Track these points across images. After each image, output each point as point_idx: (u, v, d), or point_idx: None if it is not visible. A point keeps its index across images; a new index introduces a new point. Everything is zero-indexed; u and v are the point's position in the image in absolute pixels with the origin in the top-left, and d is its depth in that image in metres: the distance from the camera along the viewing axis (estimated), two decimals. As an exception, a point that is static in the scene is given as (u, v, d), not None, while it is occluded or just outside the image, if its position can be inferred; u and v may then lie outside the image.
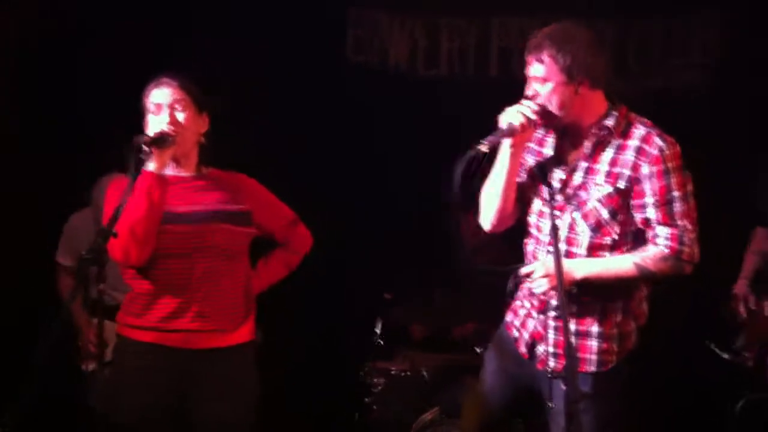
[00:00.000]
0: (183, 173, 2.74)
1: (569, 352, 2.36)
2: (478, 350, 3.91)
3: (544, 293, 2.57)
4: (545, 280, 2.53)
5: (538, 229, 2.69)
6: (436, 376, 4.04)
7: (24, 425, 2.37)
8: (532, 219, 2.72)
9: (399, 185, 4.68)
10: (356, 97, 4.78)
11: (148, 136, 2.57)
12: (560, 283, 2.38)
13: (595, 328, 2.59)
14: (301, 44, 4.72)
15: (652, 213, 2.52)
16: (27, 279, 4.01)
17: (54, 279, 3.82)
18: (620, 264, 2.54)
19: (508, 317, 2.78)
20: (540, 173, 2.60)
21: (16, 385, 2.49)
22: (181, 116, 2.68)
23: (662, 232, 2.52)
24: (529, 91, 2.59)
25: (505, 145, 2.61)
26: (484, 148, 2.52)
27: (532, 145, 2.73)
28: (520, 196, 2.73)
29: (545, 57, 2.52)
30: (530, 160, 2.73)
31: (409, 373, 4.04)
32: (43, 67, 4.25)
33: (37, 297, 3.83)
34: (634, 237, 2.58)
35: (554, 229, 2.47)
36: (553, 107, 2.55)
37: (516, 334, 2.73)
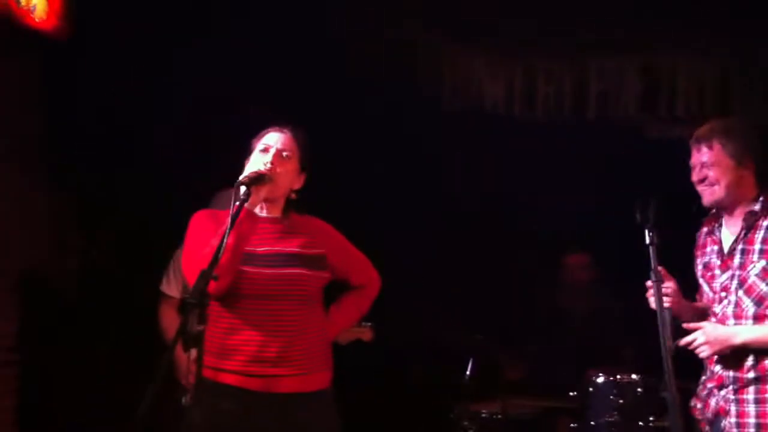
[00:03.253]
0: (266, 215, 2.81)
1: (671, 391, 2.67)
2: (572, 394, 3.85)
3: (707, 357, 2.84)
4: (706, 346, 2.79)
5: (713, 314, 2.94)
6: (530, 420, 4.00)
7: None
8: (709, 310, 2.98)
9: (501, 227, 4.70)
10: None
11: (246, 176, 2.67)
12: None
13: None
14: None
15: None
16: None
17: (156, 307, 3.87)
18: None
19: (692, 402, 3.00)
20: (637, 206, 2.78)
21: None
22: (284, 162, 2.77)
23: None
24: (696, 176, 2.89)
25: None
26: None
27: (698, 252, 3.03)
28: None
29: (715, 144, 2.84)
30: (699, 261, 3.02)
31: (500, 416, 4.00)
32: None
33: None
34: None
35: (656, 270, 2.71)
36: (720, 189, 2.85)
37: (699, 416, 2.96)
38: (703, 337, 2.80)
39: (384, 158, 4.75)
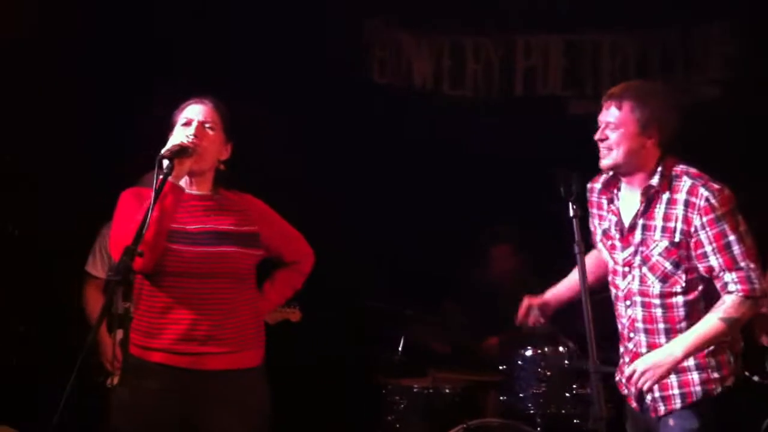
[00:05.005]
0: (196, 192, 2.77)
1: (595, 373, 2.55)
2: (501, 368, 3.90)
3: (650, 388, 2.67)
4: (649, 374, 2.63)
5: (615, 286, 2.87)
6: (460, 394, 4.05)
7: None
8: (610, 277, 2.89)
9: (421, 204, 4.72)
10: (381, 118, 4.82)
11: (168, 150, 2.62)
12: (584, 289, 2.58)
13: (691, 362, 2.69)
14: (325, 66, 4.76)
15: (714, 260, 2.64)
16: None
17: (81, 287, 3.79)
18: (709, 327, 2.62)
19: (617, 377, 2.92)
20: (560, 180, 2.66)
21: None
22: (208, 134, 2.73)
23: (730, 278, 2.63)
24: (599, 135, 2.75)
25: None
26: None
27: (594, 210, 2.92)
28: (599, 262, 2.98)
29: (624, 105, 2.70)
30: (596, 222, 2.93)
31: (431, 391, 4.04)
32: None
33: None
34: (703, 280, 2.70)
35: (579, 241, 2.59)
36: (619, 154, 2.71)
37: (626, 391, 2.88)
38: (642, 366, 2.63)
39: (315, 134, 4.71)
